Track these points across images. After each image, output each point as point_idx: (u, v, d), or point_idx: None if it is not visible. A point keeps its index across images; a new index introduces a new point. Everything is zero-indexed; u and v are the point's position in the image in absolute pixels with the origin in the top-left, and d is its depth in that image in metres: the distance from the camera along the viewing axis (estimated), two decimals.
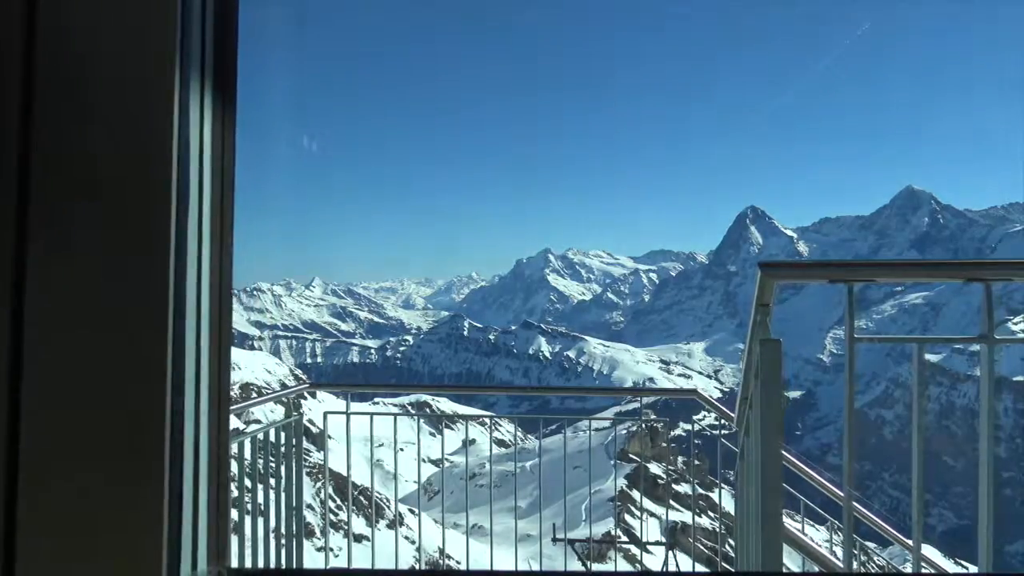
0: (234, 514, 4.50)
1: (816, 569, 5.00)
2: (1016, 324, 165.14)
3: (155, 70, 1.05)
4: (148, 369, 1.04)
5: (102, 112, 1.05)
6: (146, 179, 1.05)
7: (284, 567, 4.38)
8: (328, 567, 7.15)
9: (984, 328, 2.01)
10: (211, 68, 1.17)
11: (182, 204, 1.09)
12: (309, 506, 24.60)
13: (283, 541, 4.56)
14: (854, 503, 4.65)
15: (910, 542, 2.23)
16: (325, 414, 5.65)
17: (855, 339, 2.08)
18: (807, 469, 4.68)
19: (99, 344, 1.03)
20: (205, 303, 1.16)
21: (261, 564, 4.18)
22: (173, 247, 1.07)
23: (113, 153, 1.05)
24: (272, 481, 4.47)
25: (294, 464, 4.70)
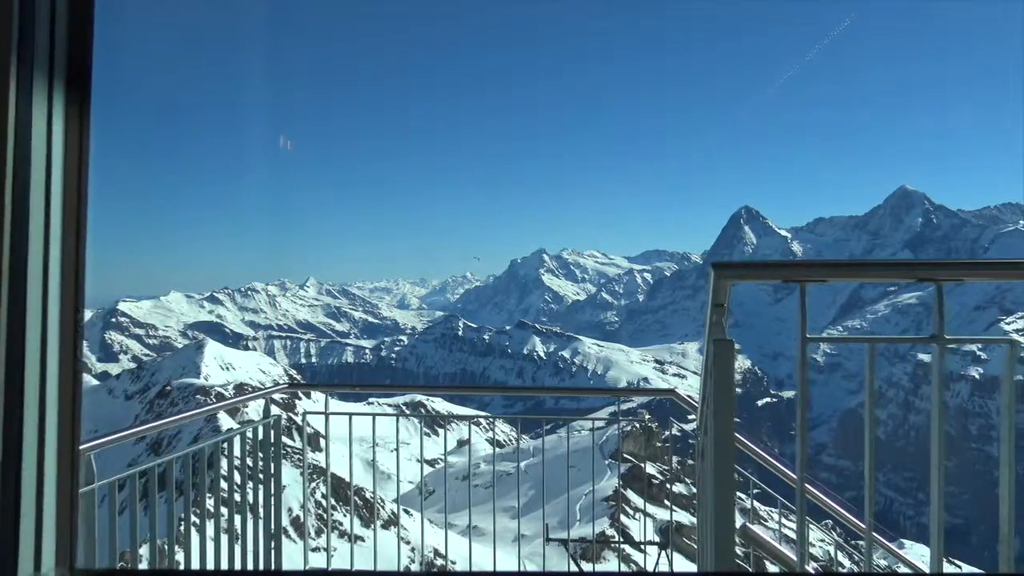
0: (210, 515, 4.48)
1: (776, 568, 4.99)
2: (1008, 324, 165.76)
3: None
4: None
5: None
6: None
7: (230, 568, 4.33)
8: (307, 568, 7.12)
9: (936, 328, 2.03)
10: (63, 69, 1.12)
11: (20, 211, 1.05)
12: (304, 506, 24.53)
13: (260, 541, 4.52)
14: (833, 502, 4.64)
15: (864, 525, 2.27)
16: (305, 414, 5.63)
17: (807, 339, 2.10)
18: (766, 455, 4.69)
19: None
20: (54, 312, 1.13)
21: (207, 564, 4.14)
22: (7, 255, 1.03)
23: None
24: (232, 481, 4.43)
25: (272, 464, 4.69)
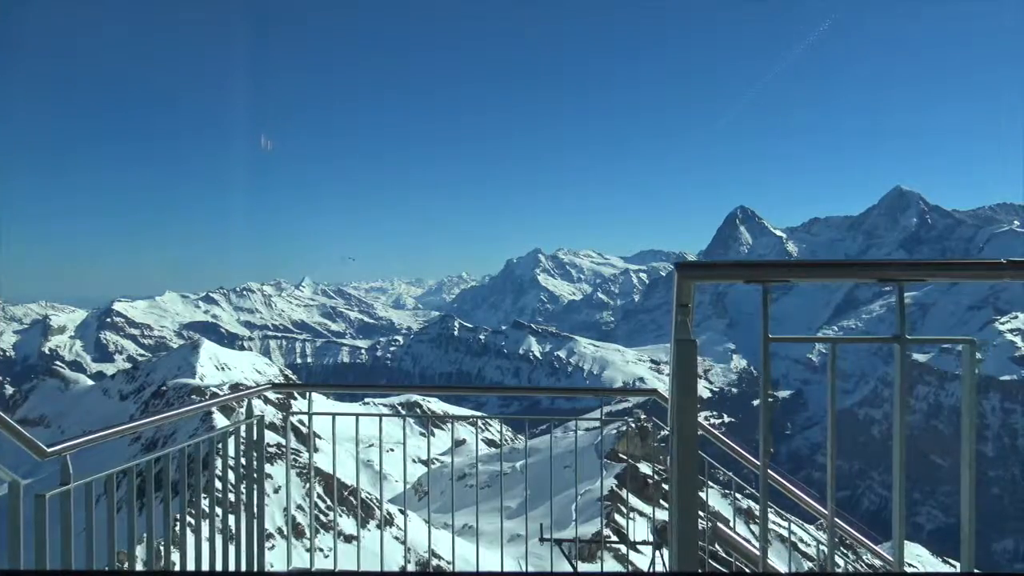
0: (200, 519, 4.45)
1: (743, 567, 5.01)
2: (1003, 324, 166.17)
3: None
4: None
5: None
6: None
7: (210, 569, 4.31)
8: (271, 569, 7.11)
9: (897, 328, 2.07)
10: None
11: None
12: (299, 506, 24.48)
13: (243, 541, 4.50)
14: (801, 491, 4.65)
15: (826, 511, 2.30)
16: (287, 415, 5.63)
17: (770, 339, 2.12)
18: (736, 446, 4.72)
19: None
20: None
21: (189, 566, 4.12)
22: None
23: None
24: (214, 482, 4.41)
25: (255, 465, 4.68)
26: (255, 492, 4.62)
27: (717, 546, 5.05)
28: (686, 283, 2.18)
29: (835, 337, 2.25)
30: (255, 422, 4.68)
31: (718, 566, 5.17)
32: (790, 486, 4.70)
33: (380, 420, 5.96)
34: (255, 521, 4.61)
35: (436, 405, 54.00)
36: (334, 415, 5.26)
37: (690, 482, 2.03)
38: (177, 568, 3.85)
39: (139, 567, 3.77)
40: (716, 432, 4.94)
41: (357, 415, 5.42)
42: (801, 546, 19.42)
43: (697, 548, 2.01)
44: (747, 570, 4.88)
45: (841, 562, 17.52)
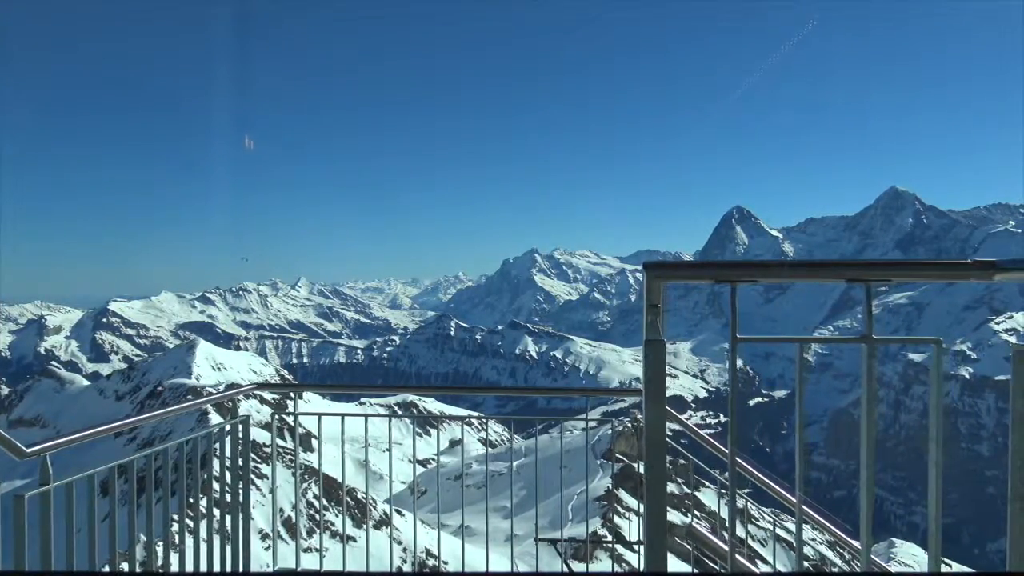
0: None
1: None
2: (998, 324, 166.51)
3: None
4: None
5: None
6: None
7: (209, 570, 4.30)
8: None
9: (865, 328, 2.09)
10: None
11: None
12: (295, 507, 24.46)
13: (228, 541, 4.49)
14: (768, 479, 4.65)
15: (794, 499, 2.32)
16: (273, 415, 5.63)
17: (738, 339, 2.15)
18: (708, 437, 4.73)
19: None
20: None
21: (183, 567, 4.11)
22: None
23: None
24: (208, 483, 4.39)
25: (240, 466, 4.68)
26: (240, 492, 4.61)
27: (696, 545, 5.07)
28: (655, 283, 2.19)
29: (801, 337, 2.28)
30: (240, 423, 4.67)
31: (711, 565, 5.18)
32: (766, 479, 4.73)
33: (366, 420, 5.97)
34: (240, 521, 4.60)
35: (432, 405, 53.94)
36: (320, 415, 5.26)
37: (658, 481, 2.03)
38: (160, 568, 3.83)
39: (122, 567, 3.76)
40: (700, 431, 4.95)
41: (343, 415, 5.42)
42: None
43: (665, 547, 2.01)
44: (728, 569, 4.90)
45: (839, 560, 17.57)
